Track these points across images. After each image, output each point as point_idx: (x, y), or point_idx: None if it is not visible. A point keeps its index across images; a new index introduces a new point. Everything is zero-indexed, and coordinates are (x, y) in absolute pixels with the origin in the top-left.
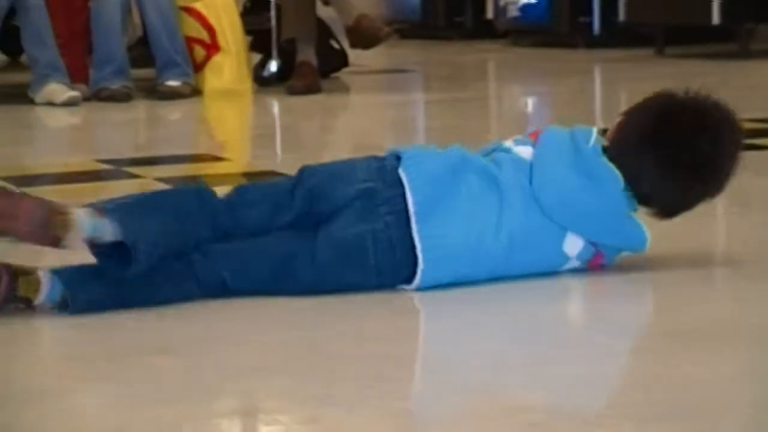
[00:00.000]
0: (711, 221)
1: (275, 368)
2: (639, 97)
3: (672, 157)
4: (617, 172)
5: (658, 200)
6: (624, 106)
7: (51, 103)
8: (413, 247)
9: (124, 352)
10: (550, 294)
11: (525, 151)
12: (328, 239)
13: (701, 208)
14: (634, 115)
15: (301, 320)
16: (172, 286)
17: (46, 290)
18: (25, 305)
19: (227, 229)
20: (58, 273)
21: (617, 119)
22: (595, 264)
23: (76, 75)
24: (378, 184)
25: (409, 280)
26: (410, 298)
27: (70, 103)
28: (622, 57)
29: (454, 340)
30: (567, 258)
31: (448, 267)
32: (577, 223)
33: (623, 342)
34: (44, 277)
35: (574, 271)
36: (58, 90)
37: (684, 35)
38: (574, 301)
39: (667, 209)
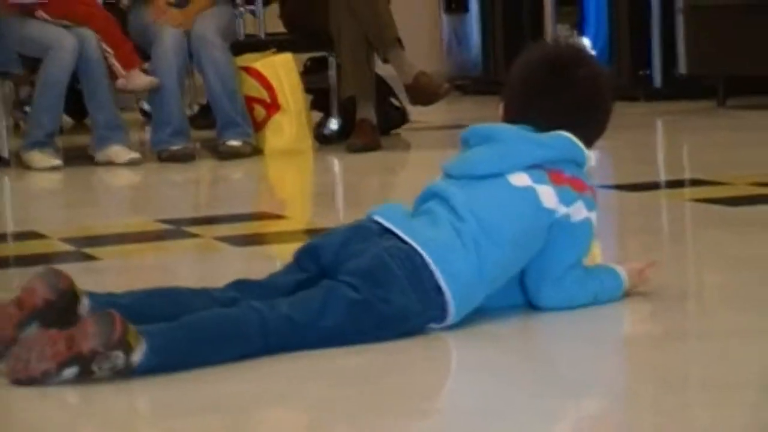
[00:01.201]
0: None
1: (323, 427)
2: (701, 151)
3: (559, 100)
4: (501, 123)
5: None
6: (686, 159)
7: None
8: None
9: (171, 412)
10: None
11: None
12: (350, 271)
13: None
14: (512, 88)
15: (348, 376)
16: (236, 338)
17: (144, 345)
18: (125, 355)
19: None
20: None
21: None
22: (563, 178)
23: (128, 64)
24: (364, 223)
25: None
26: (445, 342)
27: (130, 164)
28: (683, 109)
29: (492, 391)
30: (525, 189)
31: (455, 263)
32: (499, 163)
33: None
34: (141, 331)
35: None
36: (120, 152)
37: (746, 86)
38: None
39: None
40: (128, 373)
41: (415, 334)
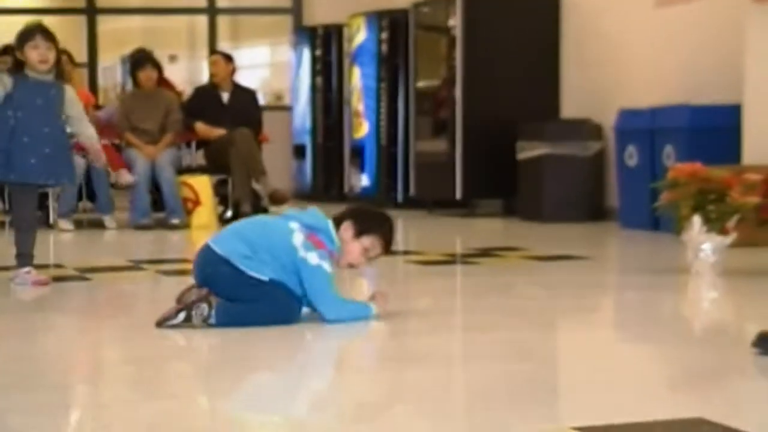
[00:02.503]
0: None
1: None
2: (419, 235)
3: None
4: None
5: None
6: (412, 243)
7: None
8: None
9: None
10: None
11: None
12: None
13: None
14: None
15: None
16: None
17: (215, 307)
18: (209, 307)
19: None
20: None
21: None
22: (312, 238)
23: (116, 167)
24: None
25: None
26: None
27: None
28: (411, 215)
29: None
30: (291, 228)
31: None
32: (290, 217)
33: None
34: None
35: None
36: (110, 221)
37: (445, 204)
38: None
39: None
40: (208, 323)
41: None
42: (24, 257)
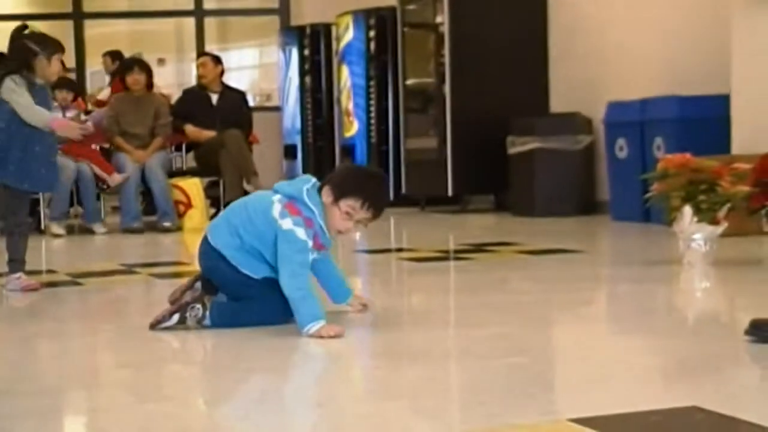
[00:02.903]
0: None
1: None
2: (412, 232)
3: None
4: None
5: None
6: (404, 236)
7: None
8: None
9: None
10: None
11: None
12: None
13: None
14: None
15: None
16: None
17: (210, 308)
18: (203, 308)
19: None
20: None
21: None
22: (289, 207)
23: (108, 171)
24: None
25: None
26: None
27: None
28: (404, 212)
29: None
30: (272, 201)
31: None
32: (275, 191)
33: None
34: (212, 300)
35: None
36: (99, 227)
37: (435, 200)
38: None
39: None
40: (203, 325)
41: None
42: (15, 263)
